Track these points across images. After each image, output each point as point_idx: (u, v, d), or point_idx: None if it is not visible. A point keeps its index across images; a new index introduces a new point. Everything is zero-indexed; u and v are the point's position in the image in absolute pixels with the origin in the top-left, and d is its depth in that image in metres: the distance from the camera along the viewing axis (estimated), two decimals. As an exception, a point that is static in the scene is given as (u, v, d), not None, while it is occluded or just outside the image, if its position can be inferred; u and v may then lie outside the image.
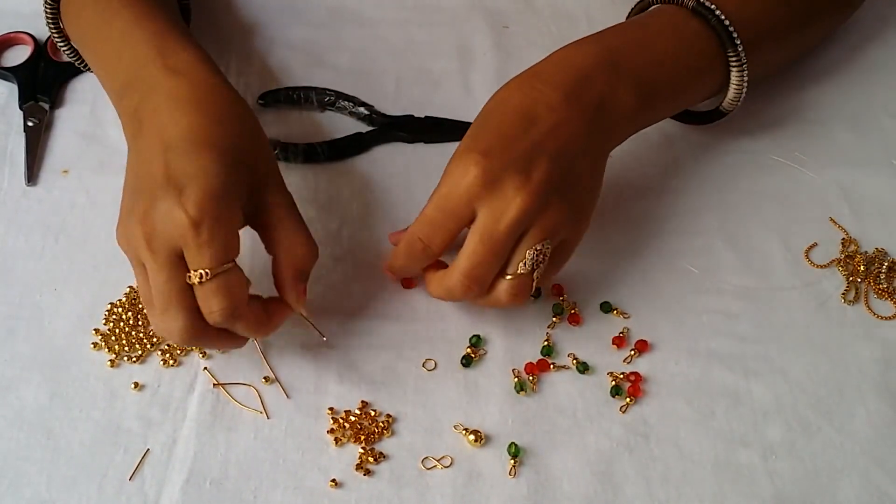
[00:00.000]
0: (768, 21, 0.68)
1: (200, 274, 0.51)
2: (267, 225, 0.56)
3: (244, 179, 0.54)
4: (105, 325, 0.63)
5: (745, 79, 0.65)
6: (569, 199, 0.57)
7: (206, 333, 0.54)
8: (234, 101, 0.58)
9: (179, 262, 0.52)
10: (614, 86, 0.60)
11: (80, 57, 0.71)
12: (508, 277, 0.56)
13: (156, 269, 0.52)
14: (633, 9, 0.70)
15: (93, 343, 0.62)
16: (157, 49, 0.59)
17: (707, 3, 0.64)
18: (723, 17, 0.64)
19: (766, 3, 0.68)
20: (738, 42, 0.64)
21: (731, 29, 0.64)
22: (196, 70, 0.58)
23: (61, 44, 0.70)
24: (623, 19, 0.82)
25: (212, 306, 0.52)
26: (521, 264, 0.56)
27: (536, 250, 0.56)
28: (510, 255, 0.56)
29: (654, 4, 0.67)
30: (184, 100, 0.56)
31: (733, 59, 0.65)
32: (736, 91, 0.66)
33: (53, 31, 0.70)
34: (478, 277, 0.55)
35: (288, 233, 0.56)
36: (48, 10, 0.68)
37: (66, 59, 0.73)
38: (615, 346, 0.62)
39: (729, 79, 0.66)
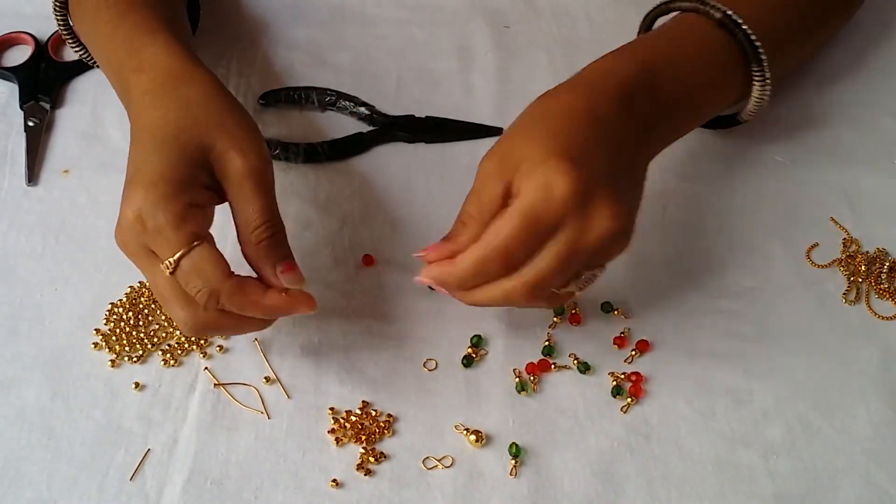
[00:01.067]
0: (784, 31, 0.68)
1: (167, 264, 0.52)
2: (228, 196, 0.55)
3: (191, 158, 0.53)
4: (106, 325, 0.63)
5: (767, 92, 0.65)
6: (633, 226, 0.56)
7: (212, 321, 0.54)
8: (189, 81, 0.57)
9: (155, 258, 0.53)
10: (653, 106, 0.59)
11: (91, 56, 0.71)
12: (557, 291, 0.55)
13: (142, 270, 0.54)
14: (651, 12, 0.69)
15: (93, 343, 0.62)
16: (128, 50, 0.60)
17: (735, 17, 0.63)
18: (750, 33, 0.63)
19: (782, 13, 0.68)
20: (764, 58, 0.64)
21: (758, 45, 0.63)
22: (156, 62, 0.58)
23: (74, 46, 0.71)
24: (623, 19, 0.83)
25: (191, 290, 0.52)
26: (574, 283, 0.55)
27: (591, 275, 0.56)
28: None
29: (674, 4, 0.66)
30: (146, 95, 0.56)
31: (757, 73, 0.65)
32: (756, 103, 0.66)
33: (65, 34, 0.70)
34: (542, 288, 0.53)
35: (243, 208, 0.54)
36: (58, 16, 0.69)
37: (78, 58, 0.73)
38: (616, 346, 0.62)
39: (748, 89, 0.66)
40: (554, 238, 0.52)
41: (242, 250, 0.55)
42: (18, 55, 0.78)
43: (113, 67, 0.62)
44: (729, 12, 0.63)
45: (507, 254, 0.52)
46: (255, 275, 0.56)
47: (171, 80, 0.57)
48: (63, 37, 0.70)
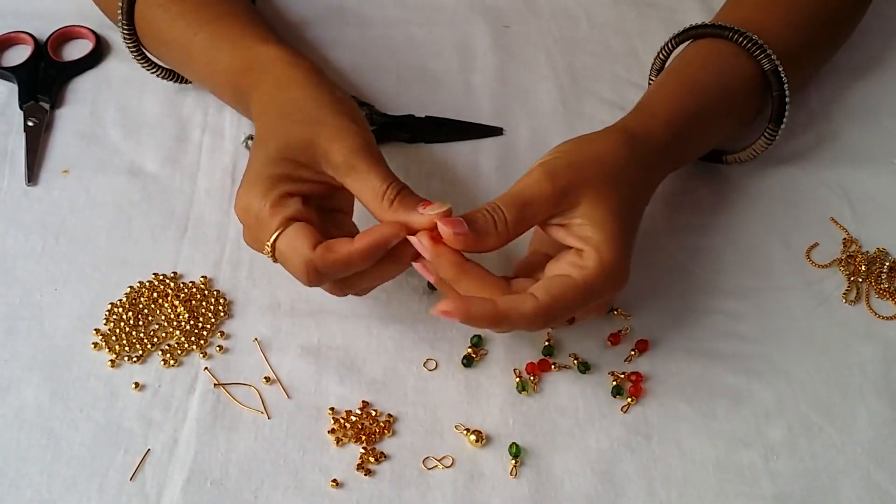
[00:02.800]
0: (802, 72, 0.70)
1: (266, 249, 0.55)
2: (344, 183, 0.56)
3: (290, 156, 0.56)
4: (105, 325, 0.63)
5: (770, 149, 0.68)
6: None
7: (338, 285, 0.57)
8: (294, 84, 0.60)
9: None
10: (673, 160, 0.64)
11: (163, 69, 0.73)
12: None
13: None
14: (693, 30, 0.68)
15: (93, 343, 0.62)
16: (243, 66, 0.63)
17: (782, 74, 0.64)
18: (786, 94, 0.65)
19: (803, 50, 0.69)
20: (785, 118, 0.66)
21: (787, 110, 0.66)
22: (265, 67, 0.62)
23: (141, 60, 0.72)
24: (623, 19, 0.83)
25: (290, 269, 0.55)
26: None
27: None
28: None
29: (727, 34, 0.65)
30: (259, 99, 0.61)
31: (770, 131, 0.67)
32: (752, 155, 0.69)
33: (133, 49, 0.71)
34: (555, 319, 0.55)
35: (360, 181, 0.55)
36: (125, 32, 0.70)
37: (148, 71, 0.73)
38: (610, 343, 0.62)
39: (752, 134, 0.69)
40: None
41: (383, 221, 0.55)
42: (18, 55, 0.78)
43: (219, 73, 0.65)
44: (779, 67, 0.64)
45: (560, 313, 0.54)
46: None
47: (276, 83, 0.61)
48: (130, 51, 0.71)
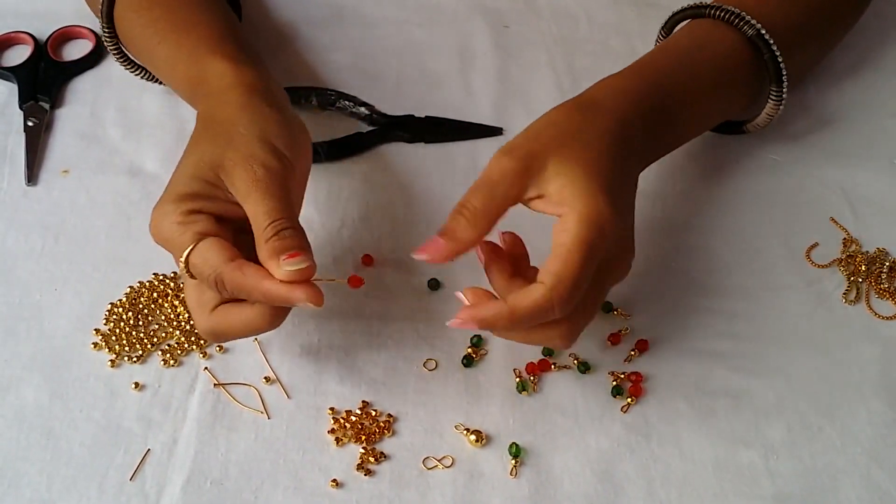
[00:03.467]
0: (799, 41, 0.68)
1: (181, 265, 0.54)
2: (244, 208, 0.55)
3: (202, 175, 0.55)
4: (105, 325, 0.63)
5: (780, 109, 0.67)
6: None
7: (221, 322, 0.55)
8: (223, 103, 0.59)
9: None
10: (662, 123, 0.61)
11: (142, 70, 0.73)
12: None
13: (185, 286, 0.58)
14: (677, 14, 0.69)
15: (93, 343, 0.62)
16: (195, 79, 0.62)
17: (767, 37, 0.64)
18: (778, 54, 0.64)
19: (796, 21, 0.68)
20: (785, 78, 0.65)
21: (783, 66, 0.65)
22: (210, 88, 0.60)
23: (125, 64, 0.72)
24: (623, 19, 0.83)
25: (203, 281, 0.53)
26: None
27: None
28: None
29: (707, 11, 0.66)
30: (212, 118, 0.59)
31: (774, 92, 0.66)
32: (767, 119, 0.68)
33: (113, 51, 0.71)
34: (572, 296, 0.52)
35: (252, 210, 0.54)
36: (106, 34, 0.69)
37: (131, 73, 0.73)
38: (610, 343, 0.62)
39: (758, 101, 0.68)
40: (598, 276, 0.53)
41: (259, 258, 0.53)
42: (18, 55, 0.78)
43: (178, 83, 0.66)
44: (762, 31, 0.64)
45: (575, 293, 0.51)
46: None
47: (215, 100, 0.59)
48: (114, 56, 0.71)
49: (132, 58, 0.72)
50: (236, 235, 0.55)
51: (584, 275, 0.51)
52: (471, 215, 0.53)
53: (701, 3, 0.67)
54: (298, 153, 0.57)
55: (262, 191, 0.54)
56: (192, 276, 0.54)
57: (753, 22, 0.64)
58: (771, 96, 0.67)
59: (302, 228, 0.54)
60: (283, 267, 0.52)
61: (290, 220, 0.54)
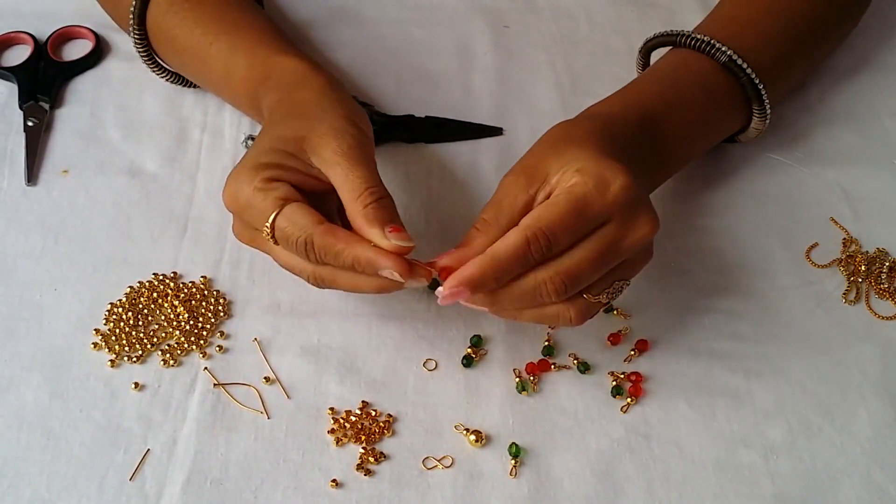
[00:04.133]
0: (784, 59, 0.69)
1: (265, 231, 0.54)
2: (330, 178, 0.56)
3: (282, 147, 0.56)
4: (105, 325, 0.63)
5: (767, 123, 0.68)
6: None
7: (326, 273, 0.55)
8: (304, 86, 0.61)
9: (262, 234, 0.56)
10: (653, 151, 0.61)
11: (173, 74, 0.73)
12: (586, 297, 0.54)
13: (263, 251, 0.58)
14: (651, 41, 0.69)
15: (93, 343, 0.62)
16: (259, 76, 0.64)
17: (739, 62, 0.64)
18: (753, 77, 0.65)
19: (782, 41, 0.69)
20: (765, 97, 0.66)
21: (761, 87, 0.65)
22: (282, 75, 0.63)
23: (152, 66, 0.73)
24: (622, 19, 0.83)
25: (291, 247, 0.54)
26: (605, 292, 0.55)
27: (621, 285, 0.55)
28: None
29: (679, 39, 0.66)
30: (274, 103, 0.61)
31: (758, 111, 0.67)
32: (755, 133, 0.69)
33: (144, 55, 0.72)
34: (576, 282, 0.52)
35: (343, 178, 0.55)
36: (136, 36, 0.70)
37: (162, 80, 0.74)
38: (610, 343, 0.62)
39: (747, 121, 0.68)
40: (596, 232, 0.53)
41: (353, 225, 0.54)
42: (18, 55, 0.78)
43: (236, 82, 0.66)
44: (734, 57, 0.64)
45: (553, 236, 0.51)
46: None
47: (291, 88, 0.61)
48: (141, 57, 0.72)
49: (161, 61, 0.72)
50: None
51: (569, 220, 0.51)
52: (482, 225, 0.54)
53: (672, 32, 0.67)
54: (369, 129, 0.59)
55: (355, 159, 0.55)
56: (275, 242, 0.55)
57: (724, 49, 0.64)
58: (755, 114, 0.67)
59: (390, 197, 0.56)
60: (392, 239, 0.52)
61: (384, 189, 0.55)
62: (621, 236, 0.53)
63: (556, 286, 0.52)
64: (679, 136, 0.64)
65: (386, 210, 0.54)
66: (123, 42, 0.78)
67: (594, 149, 0.55)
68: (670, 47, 0.68)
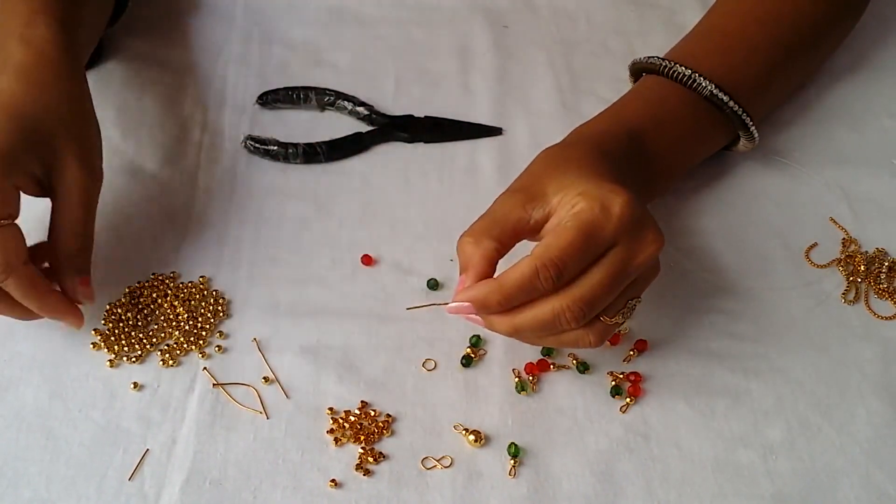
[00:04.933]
0: (770, 77, 0.69)
1: None
2: (53, 199, 0.58)
3: (35, 144, 0.56)
4: (104, 325, 0.63)
5: (755, 142, 0.68)
6: None
7: None
8: (62, 76, 0.59)
9: None
10: (641, 168, 0.62)
11: None
12: (603, 319, 0.55)
13: None
14: (637, 64, 0.69)
15: (92, 343, 0.62)
16: (18, 16, 0.60)
17: (721, 96, 0.64)
18: (737, 109, 0.65)
19: (774, 56, 0.69)
20: (751, 124, 0.66)
21: (745, 118, 0.65)
22: (44, 45, 0.59)
23: None
24: (622, 20, 0.83)
25: None
26: (620, 312, 0.55)
27: (634, 303, 0.56)
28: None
29: (664, 68, 0.66)
30: (21, 68, 0.58)
31: (744, 135, 0.67)
32: (744, 150, 0.69)
33: None
34: (593, 308, 0.53)
35: (64, 214, 0.57)
36: None
37: None
38: (609, 343, 0.62)
39: (734, 139, 0.69)
40: (605, 256, 0.53)
41: (55, 249, 0.58)
42: (17, 55, 0.78)
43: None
44: (716, 91, 0.64)
45: (563, 265, 0.51)
46: None
47: (49, 67, 0.59)
48: None
49: None
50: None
51: (577, 248, 0.52)
52: (471, 232, 0.55)
53: (655, 63, 0.66)
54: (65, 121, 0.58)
55: (88, 197, 0.59)
56: None
57: (705, 84, 0.64)
58: (742, 137, 0.68)
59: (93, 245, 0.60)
60: (79, 292, 0.59)
61: (92, 237, 0.59)
62: (631, 256, 0.54)
63: (575, 314, 0.53)
64: (666, 151, 0.64)
65: (86, 260, 0.59)
66: (124, 43, 0.79)
67: (592, 170, 0.55)
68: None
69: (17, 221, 0.56)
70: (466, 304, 0.54)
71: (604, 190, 0.53)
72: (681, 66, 0.65)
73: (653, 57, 0.67)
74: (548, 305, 0.53)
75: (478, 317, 0.55)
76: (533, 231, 0.55)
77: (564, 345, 0.56)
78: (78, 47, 0.62)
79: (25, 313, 0.58)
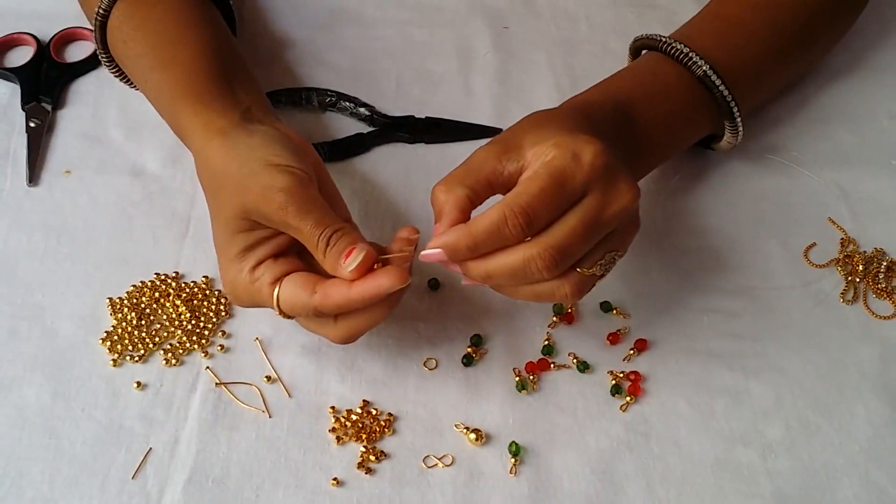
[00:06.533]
0: (764, 68, 0.69)
1: (277, 313, 0.56)
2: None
3: (240, 227, 0.56)
4: (107, 324, 0.63)
5: (739, 139, 0.68)
6: None
7: (350, 327, 0.56)
8: (204, 167, 0.59)
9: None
10: (629, 139, 0.61)
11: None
12: (579, 270, 0.54)
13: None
14: (636, 42, 0.70)
15: (95, 342, 0.62)
16: (173, 124, 0.63)
17: (713, 78, 0.64)
18: (727, 94, 0.65)
19: (771, 44, 0.69)
20: (737, 114, 0.66)
21: (733, 105, 0.65)
22: (190, 144, 0.61)
23: (119, 77, 0.71)
24: (622, 20, 0.83)
25: (302, 322, 0.58)
26: (598, 264, 0.55)
27: (613, 256, 0.55)
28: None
29: (659, 45, 0.66)
30: (209, 173, 0.59)
31: (730, 126, 0.67)
32: (728, 145, 0.69)
33: (116, 75, 0.70)
34: (565, 257, 0.52)
35: (295, 234, 0.55)
36: (104, 58, 0.69)
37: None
38: (609, 342, 0.63)
39: (721, 126, 0.68)
40: (578, 204, 0.53)
41: (326, 269, 0.55)
42: (20, 56, 0.78)
43: (167, 122, 0.65)
44: (709, 72, 0.64)
45: (532, 211, 0.51)
46: None
47: (202, 159, 0.59)
48: (114, 76, 0.71)
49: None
50: (303, 248, 0.56)
51: (547, 195, 0.52)
52: (444, 181, 0.54)
53: (655, 38, 0.67)
54: (302, 155, 0.58)
55: (293, 214, 0.54)
56: (289, 317, 0.56)
57: (700, 63, 0.64)
58: (727, 128, 0.68)
59: (345, 220, 0.56)
60: (346, 269, 0.53)
61: (329, 223, 0.55)
62: (604, 205, 0.53)
63: (546, 262, 0.52)
64: (652, 128, 0.64)
65: (337, 245, 0.54)
66: (125, 43, 0.79)
67: (569, 126, 0.56)
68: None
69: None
70: (438, 250, 0.53)
71: (577, 140, 0.53)
72: (679, 43, 0.65)
73: (653, 34, 0.67)
74: (519, 252, 0.52)
75: (455, 266, 0.54)
76: (507, 183, 0.55)
77: (541, 297, 0.55)
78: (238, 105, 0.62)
79: (382, 309, 0.56)
